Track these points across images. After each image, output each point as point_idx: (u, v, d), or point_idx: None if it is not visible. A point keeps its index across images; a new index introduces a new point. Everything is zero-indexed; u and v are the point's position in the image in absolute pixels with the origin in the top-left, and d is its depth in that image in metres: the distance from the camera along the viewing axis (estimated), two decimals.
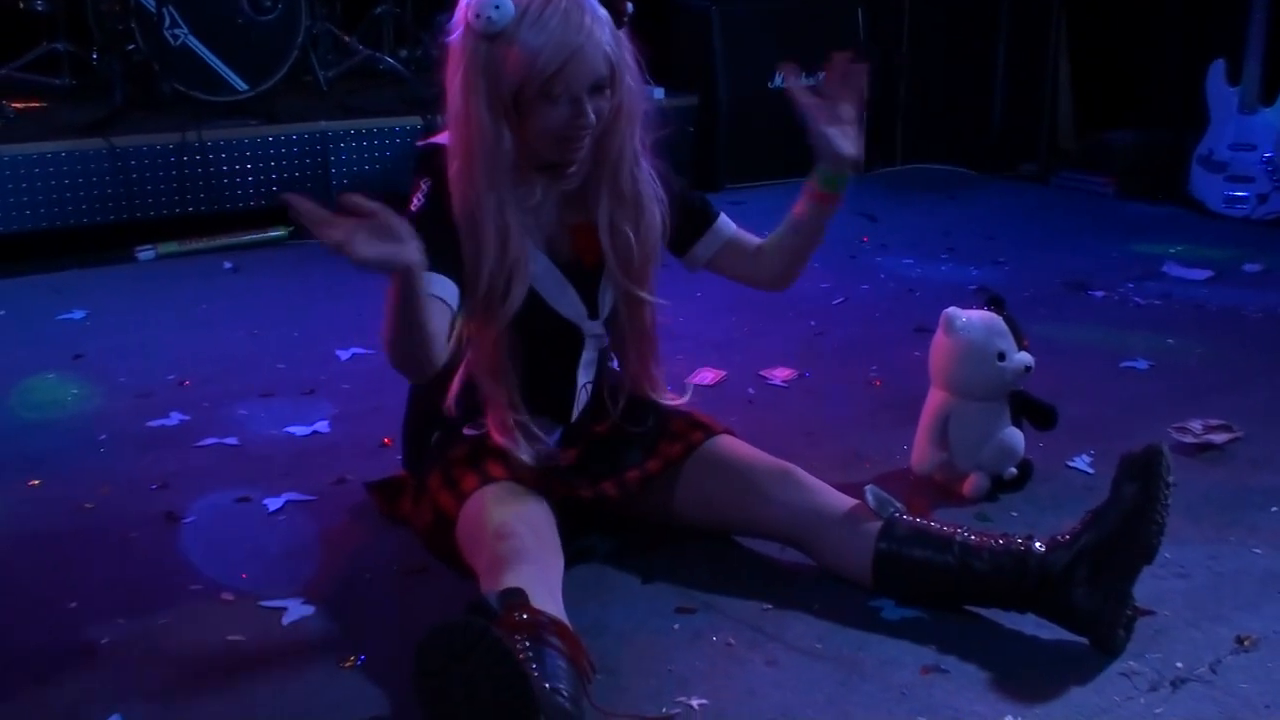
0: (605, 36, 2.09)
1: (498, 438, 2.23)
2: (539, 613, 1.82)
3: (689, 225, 2.38)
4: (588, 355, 2.32)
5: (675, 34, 5.58)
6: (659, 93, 5.20)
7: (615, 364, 2.37)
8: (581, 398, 2.32)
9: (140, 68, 4.76)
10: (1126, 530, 2.01)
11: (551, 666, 1.75)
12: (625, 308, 2.31)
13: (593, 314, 2.29)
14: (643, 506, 2.34)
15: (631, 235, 2.24)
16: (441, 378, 2.19)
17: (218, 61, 4.76)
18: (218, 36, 4.75)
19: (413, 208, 2.14)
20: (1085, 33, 5.95)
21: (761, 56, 5.49)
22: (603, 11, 2.11)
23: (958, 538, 2.14)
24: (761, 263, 2.41)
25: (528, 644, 1.75)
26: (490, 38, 2.07)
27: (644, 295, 2.29)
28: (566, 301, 2.26)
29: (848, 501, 2.23)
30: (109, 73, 4.82)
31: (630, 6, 2.16)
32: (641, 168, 2.23)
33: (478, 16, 2.06)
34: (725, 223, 2.42)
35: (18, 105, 4.74)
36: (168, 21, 4.64)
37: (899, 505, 2.20)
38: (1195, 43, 5.32)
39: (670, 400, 2.40)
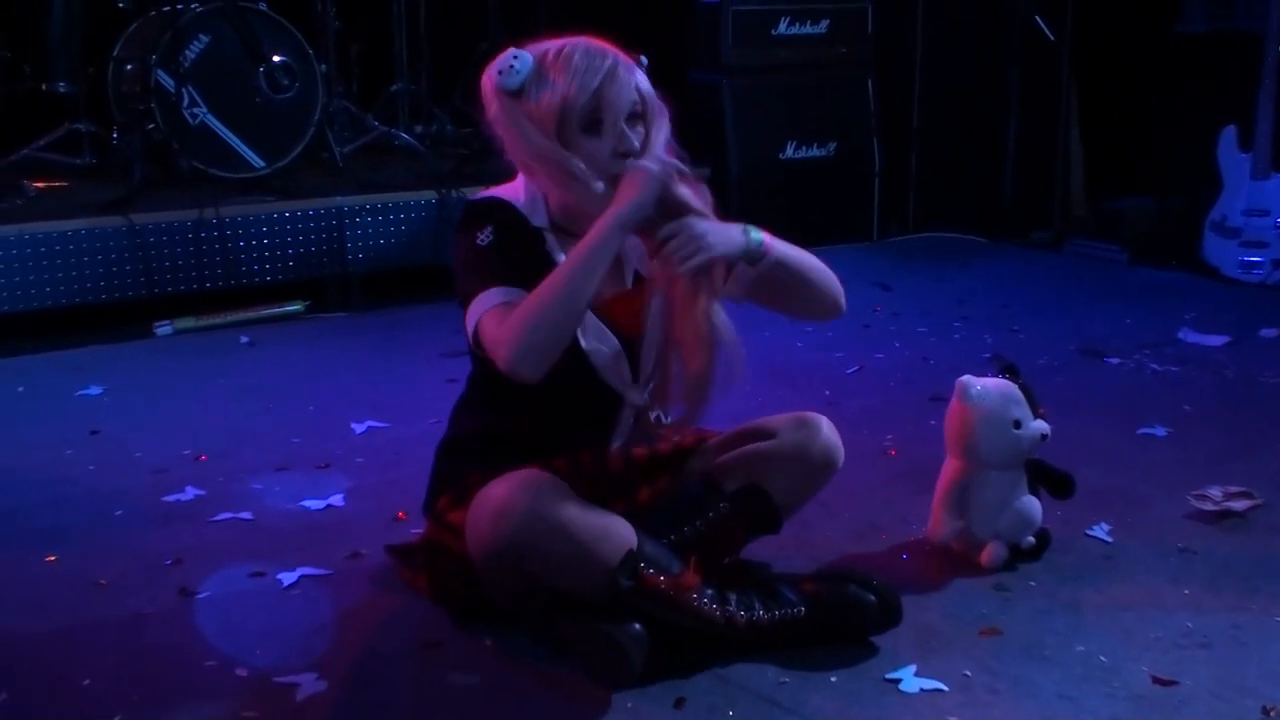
0: (631, 70, 2.15)
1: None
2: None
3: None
4: (624, 422, 2.30)
5: (686, 107, 5.61)
6: None
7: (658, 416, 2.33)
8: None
9: (159, 146, 4.83)
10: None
11: None
12: (669, 366, 2.24)
13: (636, 380, 2.28)
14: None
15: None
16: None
17: (235, 139, 4.83)
18: (235, 115, 4.83)
19: (479, 241, 2.13)
20: (1096, 100, 6.00)
21: (772, 128, 5.55)
22: (623, 55, 2.15)
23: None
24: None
25: None
26: (516, 93, 2.10)
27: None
28: (614, 369, 2.25)
29: None
30: (129, 151, 4.88)
31: (644, 59, 2.19)
32: None
33: (500, 73, 2.10)
34: None
35: (40, 184, 4.80)
36: (186, 100, 4.72)
37: None
38: (1206, 109, 5.35)
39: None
